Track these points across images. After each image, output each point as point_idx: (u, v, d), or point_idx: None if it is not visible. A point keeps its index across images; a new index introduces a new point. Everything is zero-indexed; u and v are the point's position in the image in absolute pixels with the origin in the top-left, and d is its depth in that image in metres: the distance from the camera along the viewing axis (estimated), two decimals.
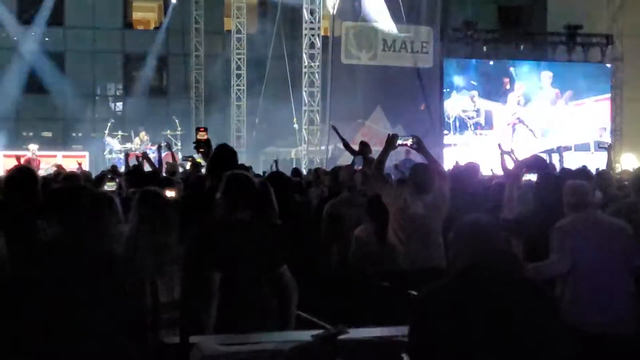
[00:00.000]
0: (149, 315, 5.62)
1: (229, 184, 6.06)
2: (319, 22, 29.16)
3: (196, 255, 5.75)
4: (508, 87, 30.24)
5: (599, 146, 14.07)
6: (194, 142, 8.78)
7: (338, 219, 9.31)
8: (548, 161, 12.44)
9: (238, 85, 32.04)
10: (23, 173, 7.15)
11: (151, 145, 26.29)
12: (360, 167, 10.98)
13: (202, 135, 8.68)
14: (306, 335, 4.75)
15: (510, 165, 10.26)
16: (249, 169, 11.76)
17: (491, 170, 13.92)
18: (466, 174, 10.56)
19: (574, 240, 6.72)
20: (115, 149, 27.47)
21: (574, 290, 6.60)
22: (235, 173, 6.30)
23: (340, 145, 26.80)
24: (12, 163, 18.64)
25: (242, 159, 22.59)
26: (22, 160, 21.62)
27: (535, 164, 9.72)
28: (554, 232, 6.83)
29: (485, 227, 4.20)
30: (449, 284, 4.15)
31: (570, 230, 6.79)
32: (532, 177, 9.11)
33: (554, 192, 7.42)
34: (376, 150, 9.89)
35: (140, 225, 5.85)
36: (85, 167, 21.83)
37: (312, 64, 28.97)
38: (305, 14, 28.89)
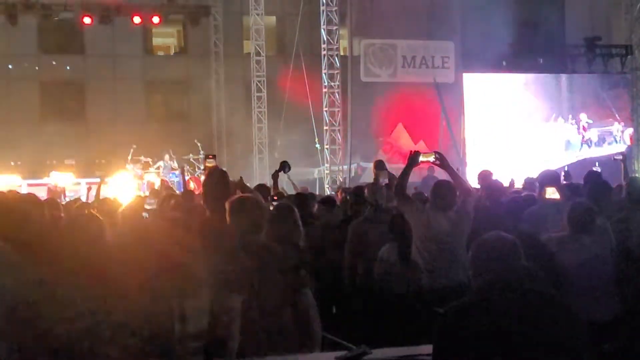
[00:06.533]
0: (177, 342, 5.63)
1: (240, 209, 6.04)
2: (337, 42, 29.20)
3: (221, 279, 5.74)
4: (529, 102, 30.10)
5: (614, 158, 13.96)
6: (202, 169, 8.86)
7: (362, 237, 9.27)
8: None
9: (259, 107, 32.07)
10: None
11: (174, 169, 26.35)
12: (385, 183, 10.96)
13: (210, 162, 8.65)
14: (330, 356, 4.74)
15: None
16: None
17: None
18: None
19: None
20: (138, 174, 27.49)
21: None
22: (243, 197, 6.30)
23: (362, 164, 26.95)
24: (35, 192, 18.72)
25: (265, 180, 22.60)
26: (46, 190, 21.80)
27: (551, 178, 9.58)
28: None
29: (505, 244, 4.18)
30: (472, 301, 4.14)
31: None
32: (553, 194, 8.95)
33: None
34: (399, 167, 9.85)
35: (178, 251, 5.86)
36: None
37: (332, 84, 29.00)
38: (324, 34, 28.94)
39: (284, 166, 10.36)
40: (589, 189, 9.31)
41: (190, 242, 6.11)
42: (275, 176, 10.03)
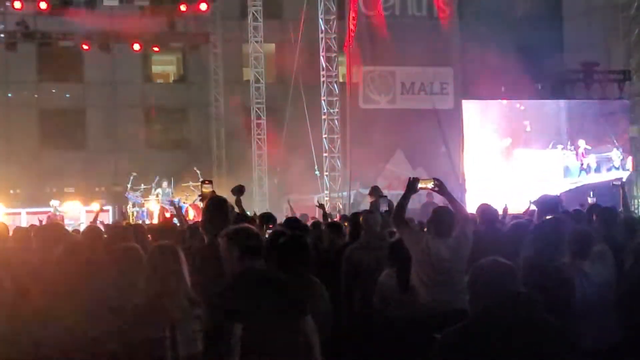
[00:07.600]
0: None
1: (237, 236, 6.00)
2: (336, 69, 29.26)
3: (217, 307, 5.72)
4: (528, 129, 30.07)
5: (612, 184, 13.88)
6: (199, 195, 8.82)
7: (355, 264, 9.25)
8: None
9: (258, 134, 32.11)
10: None
11: (172, 197, 26.32)
12: (385, 210, 10.95)
13: (207, 188, 8.62)
14: None
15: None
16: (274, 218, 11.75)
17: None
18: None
19: None
20: (139, 202, 27.47)
21: None
22: (241, 226, 6.28)
23: (362, 190, 26.91)
24: (34, 220, 18.67)
25: (265, 208, 22.57)
26: (45, 217, 21.73)
27: (548, 204, 9.57)
28: None
29: (501, 270, 4.17)
30: (469, 326, 4.13)
31: None
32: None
33: None
34: (398, 193, 9.82)
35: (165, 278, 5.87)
36: (108, 221, 21.83)
37: (332, 111, 29.01)
38: (323, 62, 29.00)
39: (237, 190, 10.12)
40: (598, 214, 9.35)
41: (182, 268, 6.09)
42: (238, 202, 9.96)
